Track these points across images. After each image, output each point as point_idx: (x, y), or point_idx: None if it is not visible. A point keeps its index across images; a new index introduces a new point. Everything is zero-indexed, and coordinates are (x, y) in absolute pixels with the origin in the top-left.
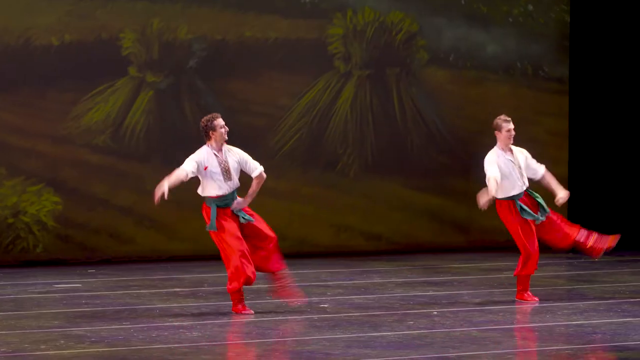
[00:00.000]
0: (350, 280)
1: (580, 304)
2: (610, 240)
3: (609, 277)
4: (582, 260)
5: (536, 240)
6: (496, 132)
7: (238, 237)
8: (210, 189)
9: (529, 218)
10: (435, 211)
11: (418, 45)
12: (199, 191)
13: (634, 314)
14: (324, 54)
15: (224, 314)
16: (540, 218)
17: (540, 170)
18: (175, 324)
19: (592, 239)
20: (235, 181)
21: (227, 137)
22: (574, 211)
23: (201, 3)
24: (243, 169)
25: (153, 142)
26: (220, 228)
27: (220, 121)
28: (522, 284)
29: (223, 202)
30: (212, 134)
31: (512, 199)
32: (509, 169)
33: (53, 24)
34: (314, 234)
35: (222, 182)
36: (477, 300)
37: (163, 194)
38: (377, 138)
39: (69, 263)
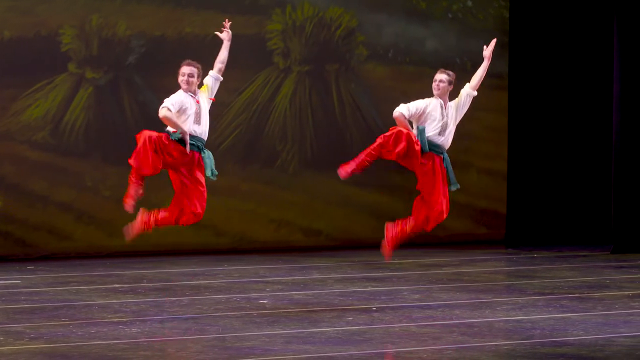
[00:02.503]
0: (290, 276)
1: (519, 299)
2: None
3: (547, 272)
4: (522, 256)
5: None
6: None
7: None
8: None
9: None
10: (374, 207)
11: (357, 41)
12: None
13: (573, 310)
14: (263, 49)
15: (164, 310)
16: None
17: (469, 87)
18: (115, 320)
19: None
20: (204, 128)
21: (188, 86)
22: (513, 206)
23: None
24: (214, 87)
25: (93, 139)
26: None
27: (183, 68)
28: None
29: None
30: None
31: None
32: (436, 116)
33: None
34: (253, 230)
35: (191, 125)
36: (416, 296)
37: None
38: (316, 134)
39: (7, 259)
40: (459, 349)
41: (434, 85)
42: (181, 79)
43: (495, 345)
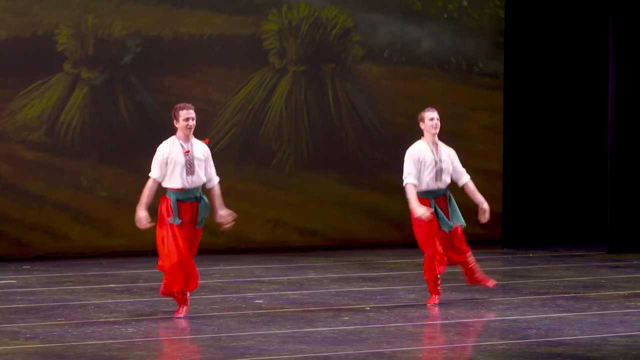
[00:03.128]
0: (286, 276)
1: (515, 299)
2: (488, 282)
3: (543, 272)
4: (517, 255)
5: (439, 240)
6: (420, 123)
7: (180, 244)
8: (172, 180)
9: (441, 225)
10: (370, 207)
11: (353, 40)
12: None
13: (568, 309)
14: (259, 49)
15: (159, 310)
16: (451, 224)
17: (464, 177)
18: (110, 320)
19: (479, 271)
20: (200, 177)
21: (190, 132)
22: (509, 206)
23: None
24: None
25: (88, 138)
26: (170, 227)
27: (184, 112)
28: (430, 288)
29: (184, 196)
30: (176, 124)
31: (427, 197)
32: (429, 162)
33: None
34: (249, 230)
35: (184, 176)
36: (412, 296)
37: (148, 222)
38: (312, 134)
39: (3, 259)
40: (455, 348)
41: (432, 124)
42: (184, 124)
43: (491, 344)
